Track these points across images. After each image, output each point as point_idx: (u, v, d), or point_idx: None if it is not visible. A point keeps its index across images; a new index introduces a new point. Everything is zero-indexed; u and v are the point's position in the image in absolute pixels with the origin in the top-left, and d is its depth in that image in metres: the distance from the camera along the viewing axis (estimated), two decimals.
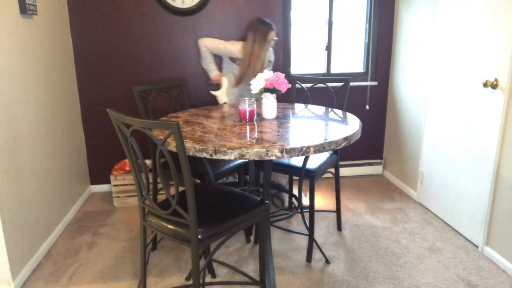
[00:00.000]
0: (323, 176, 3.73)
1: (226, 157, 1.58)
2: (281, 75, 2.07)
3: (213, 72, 3.08)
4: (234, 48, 2.94)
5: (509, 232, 2.22)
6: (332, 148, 1.68)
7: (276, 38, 2.92)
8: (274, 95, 2.10)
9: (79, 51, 3.17)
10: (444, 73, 2.76)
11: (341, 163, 3.73)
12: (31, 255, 2.32)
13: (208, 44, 3.01)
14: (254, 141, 1.68)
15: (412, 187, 3.28)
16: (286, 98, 3.42)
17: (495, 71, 2.26)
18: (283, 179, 3.07)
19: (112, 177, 3.12)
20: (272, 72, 2.46)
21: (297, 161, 2.41)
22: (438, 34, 2.81)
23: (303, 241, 2.61)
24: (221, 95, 2.94)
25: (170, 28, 3.22)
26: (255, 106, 2.07)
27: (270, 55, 3.08)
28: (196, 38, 3.26)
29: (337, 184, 2.67)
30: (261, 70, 2.85)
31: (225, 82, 2.93)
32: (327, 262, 2.37)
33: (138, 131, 3.01)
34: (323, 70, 3.57)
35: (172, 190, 3.21)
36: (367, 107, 3.65)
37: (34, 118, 2.43)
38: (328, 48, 3.51)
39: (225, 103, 2.87)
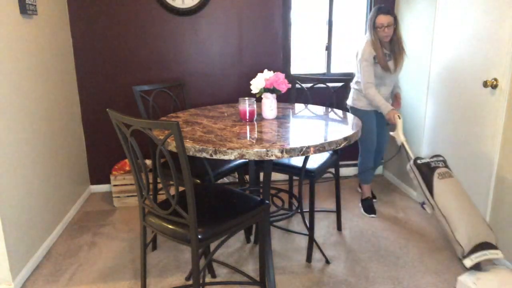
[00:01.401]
0: (323, 176, 3.73)
1: (226, 157, 1.58)
2: (281, 75, 2.07)
3: (386, 108, 2.72)
4: (366, 48, 2.77)
5: (509, 233, 2.21)
6: (332, 148, 1.68)
7: (385, 24, 2.69)
8: (274, 95, 2.10)
9: (79, 51, 3.17)
10: (444, 73, 2.76)
11: (341, 163, 3.73)
12: (31, 255, 2.32)
13: (367, 79, 2.77)
14: (254, 141, 1.68)
15: (412, 187, 3.28)
16: (286, 98, 3.42)
17: (494, 71, 2.26)
18: None
19: (112, 177, 3.12)
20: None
21: (297, 161, 2.41)
22: (438, 34, 2.81)
23: (303, 241, 2.61)
24: (398, 135, 2.67)
25: (170, 28, 3.22)
26: (255, 106, 2.07)
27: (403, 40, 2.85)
28: (196, 38, 3.27)
29: (337, 184, 2.67)
30: (396, 54, 2.77)
31: (399, 121, 2.67)
32: (327, 262, 2.37)
33: (138, 131, 3.01)
34: (323, 70, 3.58)
35: (172, 190, 3.21)
36: None
37: (34, 118, 2.43)
38: (328, 48, 3.51)
39: (402, 144, 2.63)
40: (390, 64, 2.80)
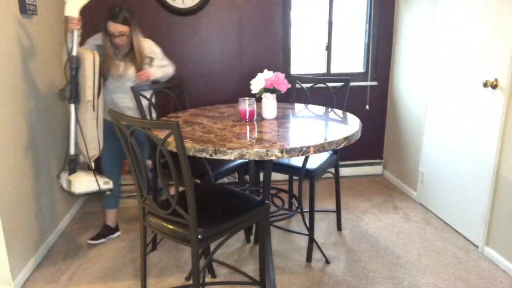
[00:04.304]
0: (323, 176, 3.73)
1: (226, 157, 1.58)
2: (281, 75, 2.07)
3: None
4: (95, 35, 2.50)
5: (509, 232, 2.22)
6: (332, 148, 1.68)
7: (116, 33, 2.32)
8: (274, 95, 2.10)
9: None
10: (444, 73, 2.76)
11: (341, 163, 3.72)
12: (31, 255, 2.32)
13: None
14: (254, 141, 1.68)
15: (412, 187, 3.28)
16: (286, 98, 3.42)
17: (495, 71, 2.26)
18: None
19: None
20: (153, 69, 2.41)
21: (297, 161, 2.41)
22: (438, 34, 2.81)
23: (303, 241, 2.61)
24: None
25: (170, 28, 3.22)
26: (255, 106, 2.07)
27: (145, 47, 2.44)
28: (196, 38, 3.26)
29: (337, 184, 2.67)
30: (134, 60, 2.40)
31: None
32: (327, 262, 2.37)
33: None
34: (323, 70, 3.57)
35: (172, 190, 3.21)
36: (367, 107, 3.64)
37: (34, 118, 2.43)
38: (328, 48, 3.51)
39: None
40: (121, 66, 2.42)
